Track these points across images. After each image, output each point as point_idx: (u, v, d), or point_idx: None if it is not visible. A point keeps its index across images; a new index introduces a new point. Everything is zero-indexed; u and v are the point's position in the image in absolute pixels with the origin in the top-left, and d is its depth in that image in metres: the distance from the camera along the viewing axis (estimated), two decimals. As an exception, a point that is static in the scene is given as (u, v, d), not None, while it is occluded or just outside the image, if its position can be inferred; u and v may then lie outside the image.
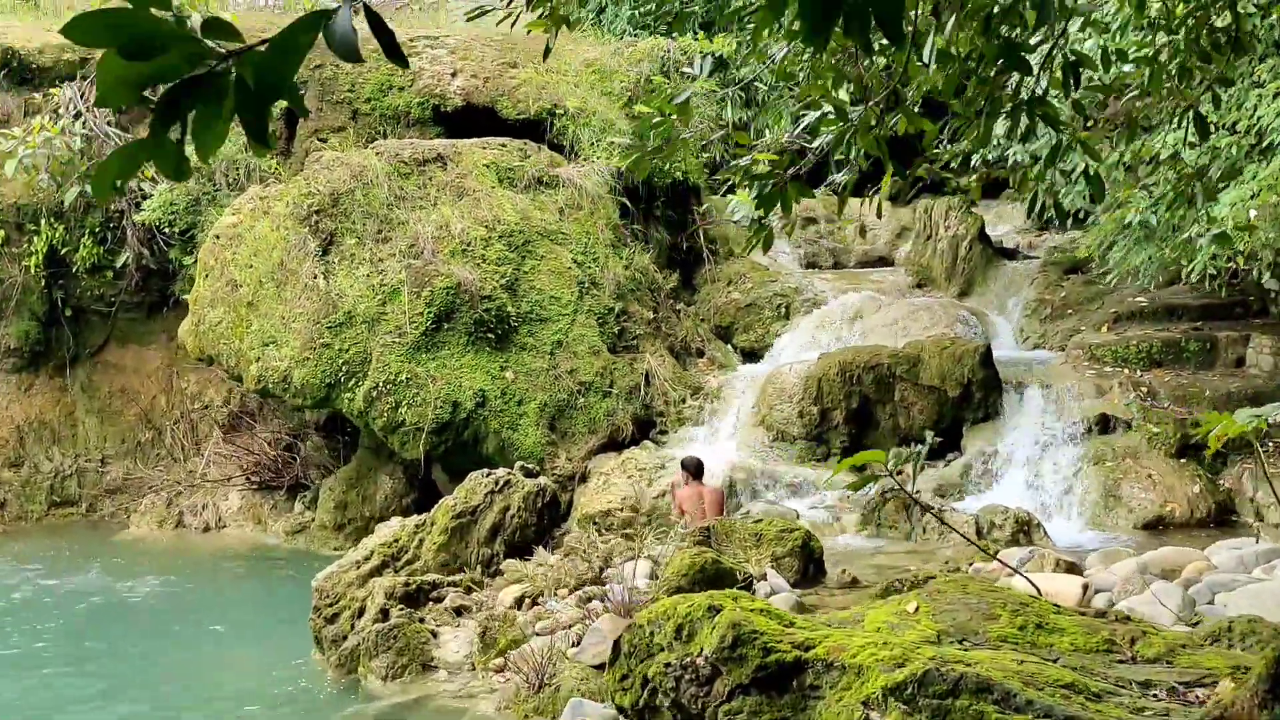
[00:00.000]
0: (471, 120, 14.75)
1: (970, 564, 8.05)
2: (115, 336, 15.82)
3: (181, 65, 1.67)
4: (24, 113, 15.29)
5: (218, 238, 12.98)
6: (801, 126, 4.59)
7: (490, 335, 12.34)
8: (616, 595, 7.68)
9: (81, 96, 14.99)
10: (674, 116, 4.32)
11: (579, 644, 7.40)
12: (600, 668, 7.09)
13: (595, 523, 11.42)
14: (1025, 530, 9.55)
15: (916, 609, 4.73)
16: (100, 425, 15.62)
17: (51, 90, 14.98)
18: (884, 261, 16.60)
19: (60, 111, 14.82)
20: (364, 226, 12.73)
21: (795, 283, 15.24)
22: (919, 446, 6.92)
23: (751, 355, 14.60)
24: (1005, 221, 16.80)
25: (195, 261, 14.55)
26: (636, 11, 18.62)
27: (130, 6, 1.67)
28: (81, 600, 11.01)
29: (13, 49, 15.08)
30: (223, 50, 1.70)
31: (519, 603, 8.40)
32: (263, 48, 1.71)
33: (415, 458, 11.93)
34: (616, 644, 4.82)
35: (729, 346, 14.78)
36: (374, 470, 12.86)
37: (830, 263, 16.67)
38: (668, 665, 4.62)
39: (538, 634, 7.89)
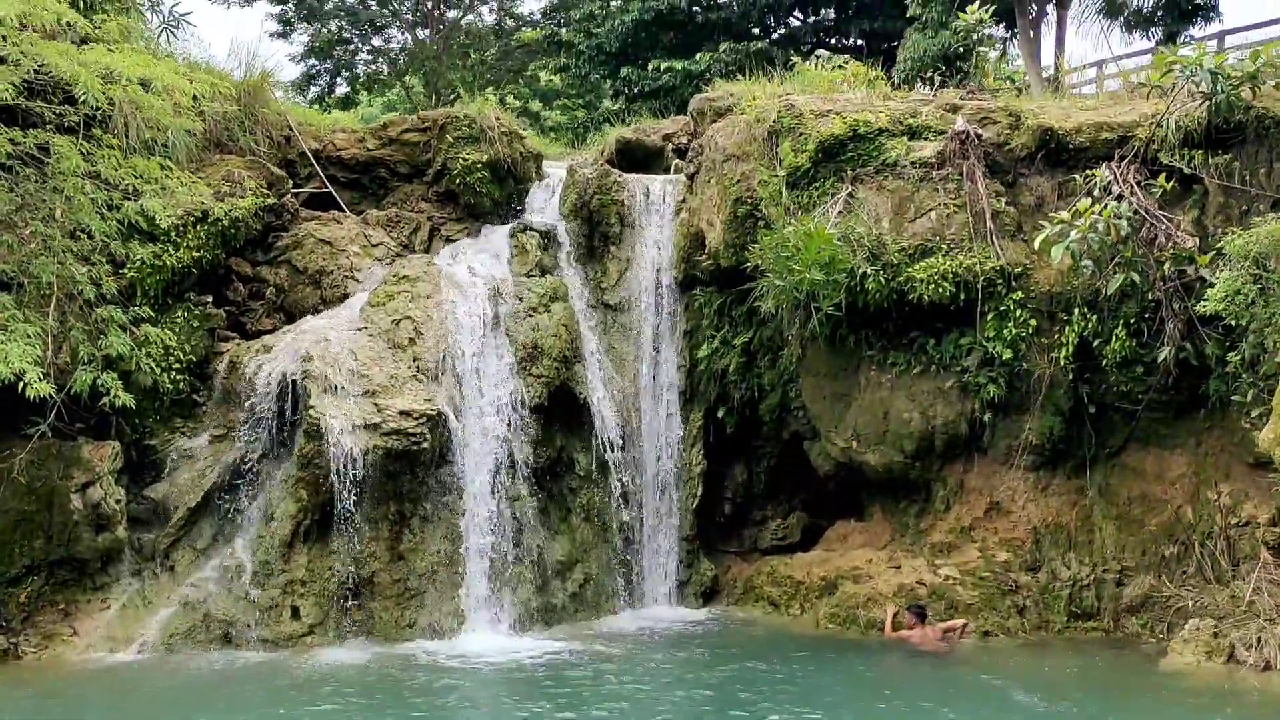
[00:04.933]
0: None
1: None
2: (1136, 437, 16.48)
3: None
4: (1057, 195, 16.38)
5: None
6: None
7: None
8: None
9: (1121, 178, 15.65)
10: None
11: None
12: None
13: None
14: None
15: None
16: (1118, 534, 16.27)
17: (1090, 171, 15.81)
18: None
19: (1096, 194, 15.58)
20: None
21: None
22: None
23: None
24: None
25: (1238, 356, 14.54)
26: None
27: None
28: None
29: (1050, 129, 16.25)
30: None
31: None
32: None
33: None
34: None
35: None
36: None
37: None
38: None
39: None
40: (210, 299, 16.46)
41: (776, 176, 17.00)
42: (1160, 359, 15.36)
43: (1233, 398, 15.03)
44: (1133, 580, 15.99)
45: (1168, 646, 14.53)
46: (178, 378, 15.69)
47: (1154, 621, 15.51)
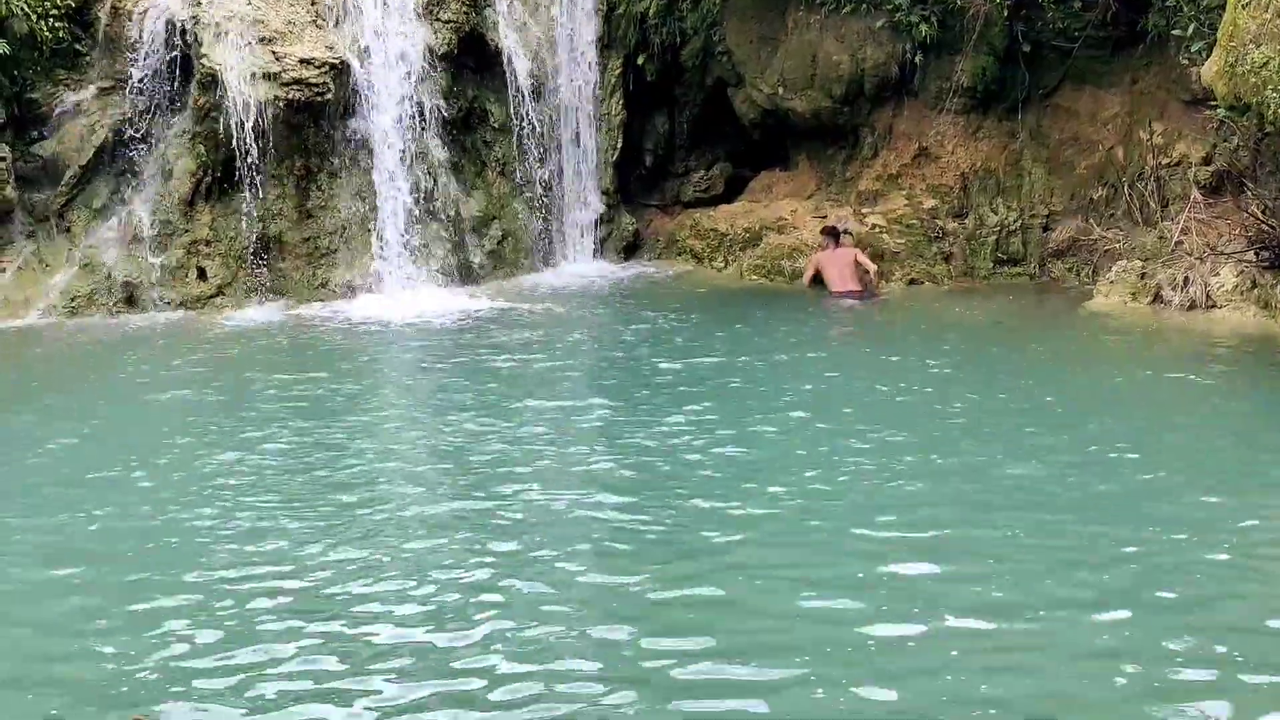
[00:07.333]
0: None
1: None
2: (1071, 76, 16.13)
3: None
4: None
5: (1258, -42, 12.25)
6: None
7: None
8: None
9: None
10: None
11: None
12: None
13: None
14: None
15: None
16: (1048, 177, 16.13)
17: None
18: None
19: None
20: None
21: None
22: None
23: None
24: None
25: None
26: None
27: None
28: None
29: None
30: None
31: None
32: None
33: None
34: None
35: None
36: None
37: None
38: None
39: None
40: (86, -63, 15.27)
41: None
42: (1096, -8, 14.89)
43: (1172, 32, 14.60)
44: (1060, 224, 15.94)
45: (1094, 289, 14.58)
46: (56, 25, 14.64)
47: (1080, 265, 15.52)
